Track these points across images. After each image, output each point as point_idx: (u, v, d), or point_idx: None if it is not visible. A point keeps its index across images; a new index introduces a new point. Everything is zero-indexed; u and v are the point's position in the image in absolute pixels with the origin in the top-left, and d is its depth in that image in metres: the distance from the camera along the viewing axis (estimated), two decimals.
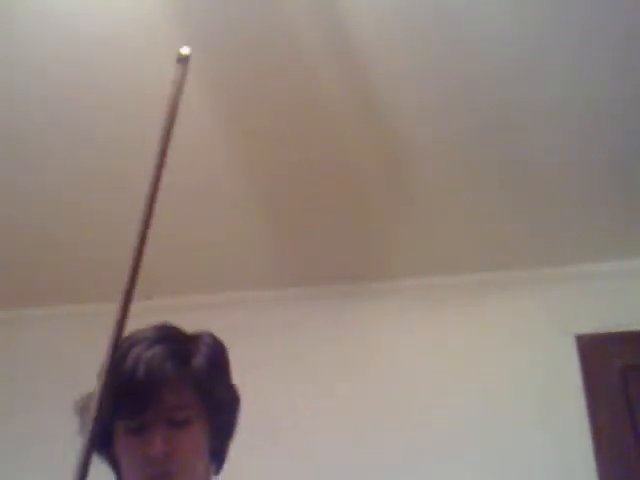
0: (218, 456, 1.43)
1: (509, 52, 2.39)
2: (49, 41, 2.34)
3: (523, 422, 2.85)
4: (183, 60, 1.42)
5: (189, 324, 3.21)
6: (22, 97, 2.50)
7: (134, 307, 3.44)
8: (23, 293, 3.21)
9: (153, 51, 2.38)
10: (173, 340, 1.44)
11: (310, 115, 2.56)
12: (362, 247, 3.05)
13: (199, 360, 1.41)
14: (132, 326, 3.26)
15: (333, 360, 3.04)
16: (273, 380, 2.92)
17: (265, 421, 2.70)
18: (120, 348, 1.37)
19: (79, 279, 3.15)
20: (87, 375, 3.23)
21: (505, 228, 2.98)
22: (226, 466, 1.50)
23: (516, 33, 2.34)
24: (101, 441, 1.30)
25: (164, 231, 2.95)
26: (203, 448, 1.36)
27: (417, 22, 2.31)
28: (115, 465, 1.38)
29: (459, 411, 2.88)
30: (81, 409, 1.41)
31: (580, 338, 2.97)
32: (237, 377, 1.74)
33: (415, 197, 2.89)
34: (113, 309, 3.32)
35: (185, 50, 1.44)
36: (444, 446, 2.81)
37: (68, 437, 3.02)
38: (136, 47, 2.37)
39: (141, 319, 3.28)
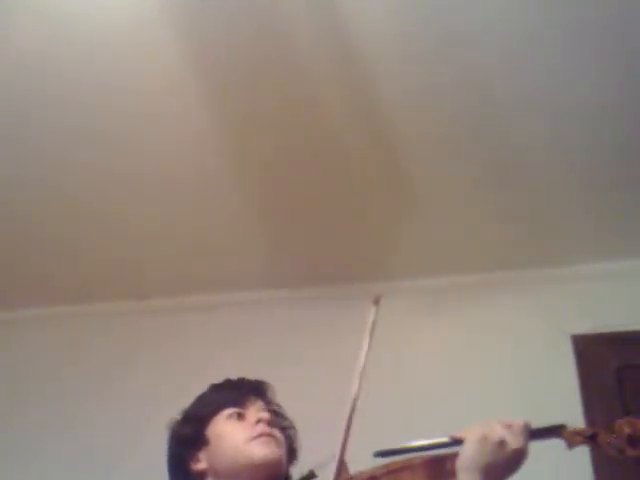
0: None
1: (509, 50, 2.39)
2: (49, 41, 2.35)
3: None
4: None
5: (187, 324, 3.24)
6: (24, 96, 2.51)
7: (132, 307, 3.46)
8: (23, 294, 3.22)
9: (152, 50, 2.39)
10: None
11: (309, 114, 2.57)
12: (362, 248, 3.06)
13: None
14: (131, 326, 3.29)
15: (333, 362, 3.04)
16: (272, 381, 2.93)
17: None
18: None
19: (79, 280, 3.16)
20: (87, 375, 3.24)
21: (502, 229, 2.99)
22: None
23: (517, 30, 2.35)
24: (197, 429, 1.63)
25: (162, 232, 2.97)
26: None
27: (415, 20, 2.31)
28: (201, 443, 1.62)
29: (458, 410, 2.87)
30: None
31: (576, 338, 2.98)
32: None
33: (415, 198, 2.90)
34: (112, 309, 3.33)
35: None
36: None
37: (68, 437, 3.04)
38: (136, 46, 2.38)
39: (140, 319, 3.31)
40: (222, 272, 3.14)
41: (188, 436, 1.63)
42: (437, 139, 2.68)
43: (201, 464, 1.60)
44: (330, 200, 2.89)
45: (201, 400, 1.69)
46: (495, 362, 2.99)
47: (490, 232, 3.01)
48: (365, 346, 1.54)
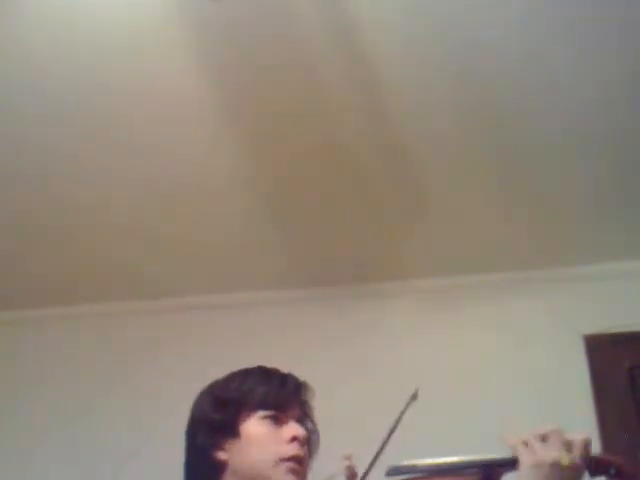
0: None
1: (511, 50, 2.40)
2: (60, 41, 2.36)
3: (531, 422, 2.83)
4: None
5: (203, 324, 3.24)
6: (30, 95, 2.52)
7: (143, 306, 3.47)
8: (23, 295, 3.23)
9: (154, 51, 2.40)
10: None
11: (316, 115, 2.58)
12: (371, 248, 3.06)
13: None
14: (141, 325, 3.30)
15: (343, 361, 3.05)
16: None
17: None
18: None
19: (79, 280, 3.17)
20: (88, 375, 3.24)
21: (515, 229, 2.99)
22: None
23: (518, 31, 2.35)
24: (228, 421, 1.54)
25: (172, 232, 2.98)
26: None
27: (420, 20, 2.32)
28: (230, 434, 1.54)
29: (468, 411, 2.89)
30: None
31: (588, 338, 2.97)
32: None
33: (428, 198, 2.90)
34: (127, 309, 3.33)
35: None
36: (453, 446, 2.81)
37: (69, 437, 3.04)
38: (137, 47, 2.39)
39: (150, 318, 3.32)
40: (236, 272, 3.15)
41: (218, 422, 1.54)
42: (450, 139, 2.69)
43: (224, 455, 1.52)
44: (343, 201, 2.90)
45: (240, 383, 1.59)
46: (507, 362, 2.99)
47: (503, 232, 3.01)
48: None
